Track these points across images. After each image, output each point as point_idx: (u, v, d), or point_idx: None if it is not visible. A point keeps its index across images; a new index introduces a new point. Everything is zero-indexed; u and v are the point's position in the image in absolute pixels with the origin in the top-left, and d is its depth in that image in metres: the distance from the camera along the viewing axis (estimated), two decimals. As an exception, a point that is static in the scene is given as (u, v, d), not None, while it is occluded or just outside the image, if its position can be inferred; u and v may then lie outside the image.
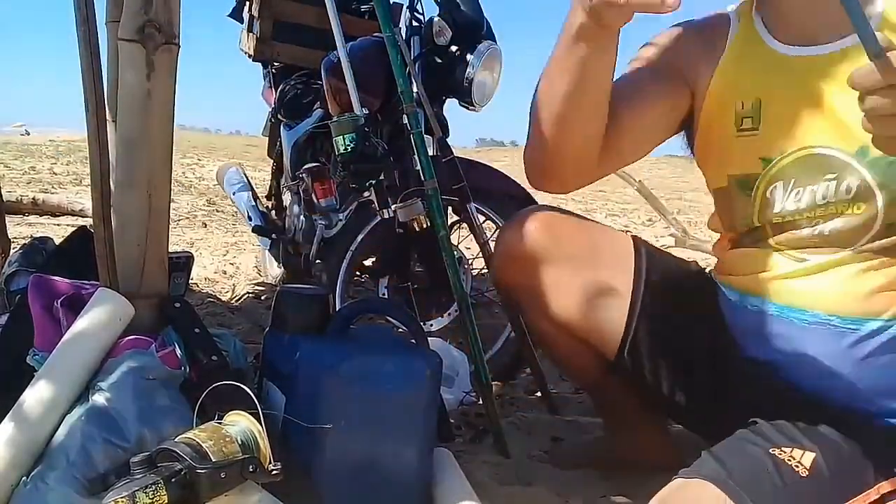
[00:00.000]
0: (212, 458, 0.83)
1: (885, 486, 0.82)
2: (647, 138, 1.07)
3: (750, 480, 0.85)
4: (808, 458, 0.87)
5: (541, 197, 1.73)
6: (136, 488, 0.78)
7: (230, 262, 3.63)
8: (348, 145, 1.78)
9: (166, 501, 0.80)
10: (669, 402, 1.17)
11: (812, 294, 0.95)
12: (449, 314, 2.08)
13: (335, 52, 1.97)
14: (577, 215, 1.26)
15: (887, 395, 0.93)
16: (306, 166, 2.30)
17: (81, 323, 1.00)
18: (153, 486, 0.79)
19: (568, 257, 1.14)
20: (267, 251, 2.82)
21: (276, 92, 2.76)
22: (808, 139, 0.93)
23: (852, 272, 0.93)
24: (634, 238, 1.19)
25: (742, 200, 1.01)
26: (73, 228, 1.51)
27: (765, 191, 0.98)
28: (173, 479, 0.80)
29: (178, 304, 1.11)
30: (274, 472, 0.87)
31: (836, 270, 0.94)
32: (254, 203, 2.87)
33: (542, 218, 1.19)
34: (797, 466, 0.87)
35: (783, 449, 0.89)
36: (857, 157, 0.90)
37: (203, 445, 0.84)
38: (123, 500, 0.78)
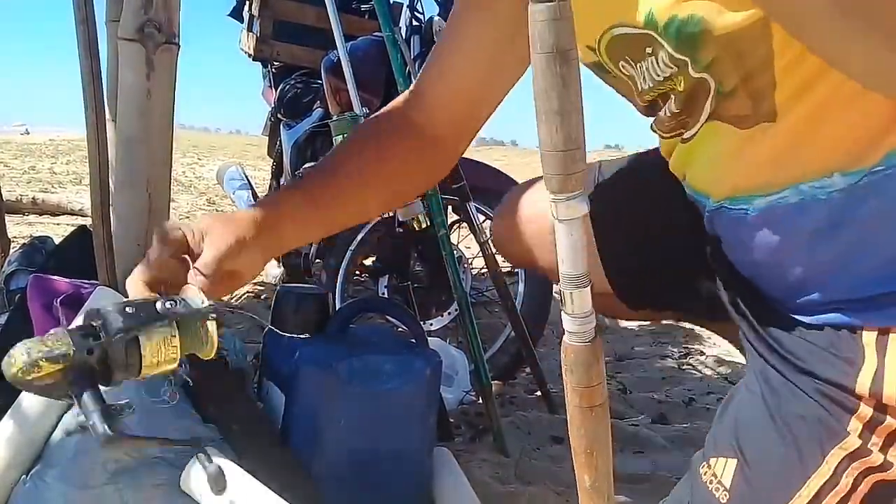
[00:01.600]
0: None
1: (833, 457, 0.69)
2: (501, 93, 0.98)
3: None
4: (730, 469, 0.75)
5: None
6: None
7: (230, 261, 3.63)
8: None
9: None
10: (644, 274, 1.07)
11: (699, 178, 0.84)
12: (449, 313, 2.08)
13: (335, 51, 1.97)
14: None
15: (802, 282, 0.76)
16: (306, 166, 2.30)
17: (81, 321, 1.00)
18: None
19: (538, 222, 1.11)
20: (267, 250, 2.82)
21: (276, 91, 2.76)
22: (605, 20, 0.81)
23: (719, 149, 0.80)
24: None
25: (611, 80, 0.89)
26: (73, 228, 1.51)
27: (618, 70, 0.85)
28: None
29: (177, 304, 1.11)
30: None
31: (703, 149, 0.81)
32: (253, 202, 2.88)
33: (507, 208, 1.18)
34: (717, 489, 0.75)
35: (709, 464, 0.77)
36: (648, 27, 0.76)
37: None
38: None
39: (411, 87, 1.01)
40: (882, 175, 0.69)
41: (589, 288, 0.59)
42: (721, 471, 0.73)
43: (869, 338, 0.70)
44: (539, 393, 1.83)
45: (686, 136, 0.82)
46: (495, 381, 1.82)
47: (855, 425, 0.69)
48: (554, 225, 0.56)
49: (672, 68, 0.76)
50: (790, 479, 0.70)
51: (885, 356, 0.68)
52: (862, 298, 0.71)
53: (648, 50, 0.77)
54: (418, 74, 1.01)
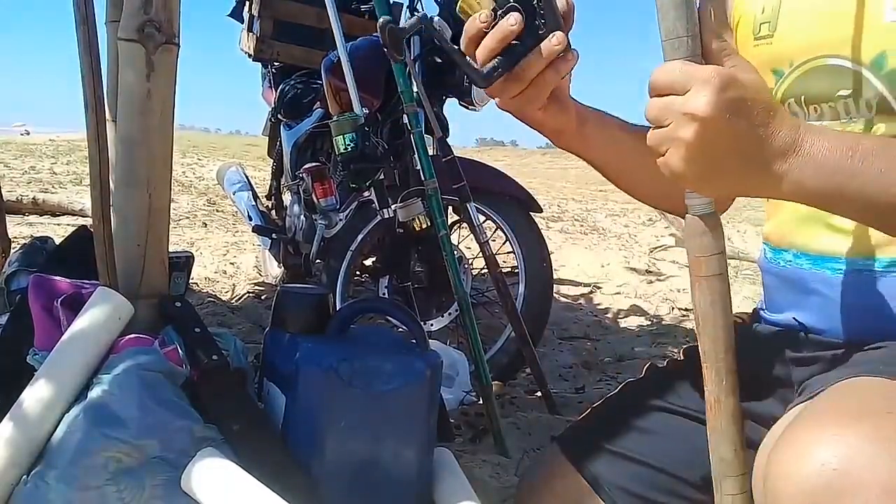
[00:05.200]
0: None
1: None
2: None
3: None
4: None
5: (539, 198, 1.73)
6: None
7: (230, 261, 3.64)
8: (348, 145, 1.78)
9: None
10: None
11: (844, 238, 0.81)
12: (449, 314, 2.08)
13: (335, 51, 1.98)
14: None
15: None
16: (306, 166, 2.30)
17: (81, 322, 1.00)
18: None
19: None
20: (267, 251, 2.82)
21: (276, 92, 2.76)
22: (820, 47, 0.80)
23: None
24: None
25: None
26: (74, 228, 1.51)
27: (782, 103, 0.83)
28: None
29: (178, 304, 1.11)
30: None
31: None
32: (254, 203, 2.88)
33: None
34: None
35: None
36: (872, 68, 0.76)
37: None
38: None
39: None
40: None
41: None
42: None
43: None
44: (539, 393, 1.83)
45: None
46: (495, 382, 1.82)
47: None
48: None
49: (868, 114, 0.77)
50: None
51: None
52: None
53: (844, 92, 0.78)
54: None
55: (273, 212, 3.00)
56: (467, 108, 2.12)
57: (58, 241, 1.61)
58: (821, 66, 0.80)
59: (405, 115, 1.67)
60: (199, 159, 9.61)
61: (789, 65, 0.83)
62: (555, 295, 2.24)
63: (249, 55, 2.77)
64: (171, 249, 1.16)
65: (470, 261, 2.28)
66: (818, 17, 0.80)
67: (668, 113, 0.65)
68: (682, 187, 0.69)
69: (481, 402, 1.57)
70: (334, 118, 1.88)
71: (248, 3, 2.78)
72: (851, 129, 0.79)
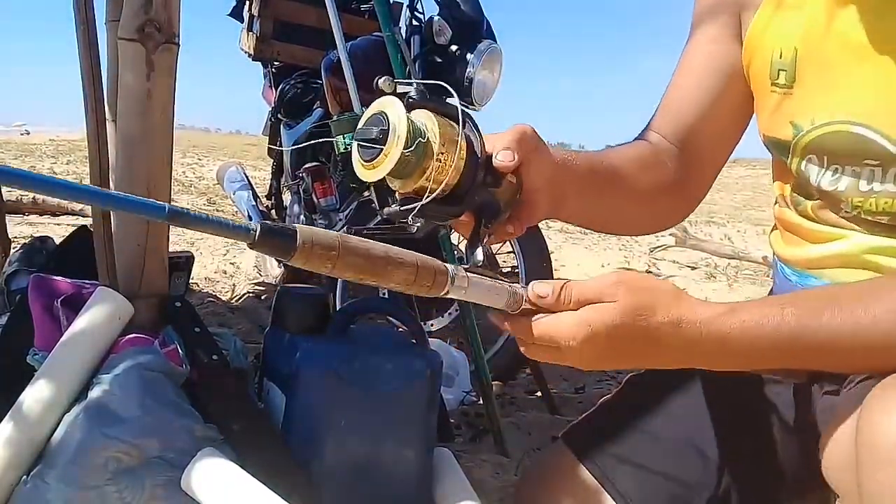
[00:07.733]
0: None
1: None
2: (730, 131, 0.92)
3: None
4: None
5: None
6: None
7: (230, 261, 3.64)
8: (348, 144, 1.78)
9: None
10: None
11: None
12: (449, 314, 2.08)
13: (335, 51, 1.97)
14: None
15: None
16: (306, 166, 2.30)
17: (81, 322, 1.00)
18: None
19: None
20: (267, 251, 2.82)
21: (276, 91, 2.76)
22: (846, 112, 0.74)
23: None
24: None
25: (780, 164, 0.85)
26: (74, 228, 1.51)
27: (799, 163, 0.80)
28: None
29: (178, 304, 1.11)
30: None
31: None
32: (254, 202, 2.88)
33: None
34: None
35: None
36: None
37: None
38: None
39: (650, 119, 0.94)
40: None
41: None
42: None
43: None
44: (539, 393, 1.83)
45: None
46: (496, 382, 1.82)
47: None
48: None
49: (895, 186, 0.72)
50: None
51: None
52: None
53: (873, 162, 0.73)
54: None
55: (273, 212, 3.00)
56: (468, 107, 2.12)
57: (58, 241, 1.61)
58: (845, 131, 0.75)
59: (405, 115, 1.67)
60: (199, 159, 9.60)
61: (810, 122, 0.78)
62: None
63: (249, 55, 2.77)
64: (171, 249, 1.16)
65: (470, 261, 2.28)
66: (842, 78, 0.75)
67: (552, 353, 0.68)
68: None
69: (481, 402, 1.57)
70: (334, 118, 1.88)
71: (247, 3, 2.78)
72: (874, 199, 0.75)
